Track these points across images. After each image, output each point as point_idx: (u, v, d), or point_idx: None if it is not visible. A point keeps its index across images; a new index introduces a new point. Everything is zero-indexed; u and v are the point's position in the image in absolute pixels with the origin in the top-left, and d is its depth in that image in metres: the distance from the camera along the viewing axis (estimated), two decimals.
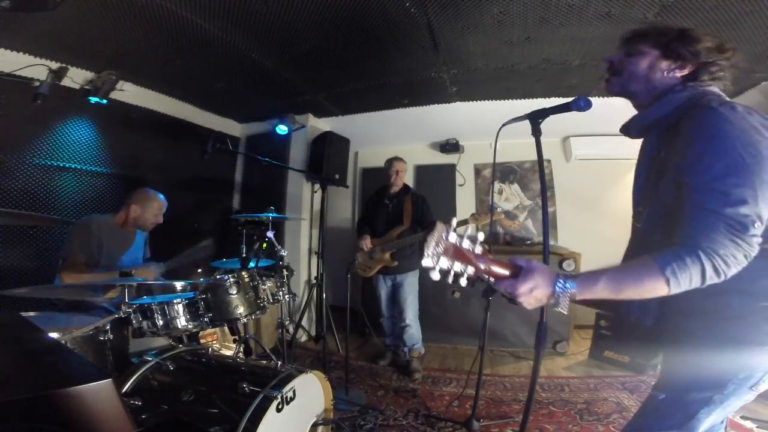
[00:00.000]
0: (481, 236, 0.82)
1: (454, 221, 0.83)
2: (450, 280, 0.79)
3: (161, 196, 2.30)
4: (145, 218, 2.21)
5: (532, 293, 0.79)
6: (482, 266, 0.80)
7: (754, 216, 0.74)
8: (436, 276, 0.77)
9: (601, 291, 0.78)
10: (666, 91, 0.95)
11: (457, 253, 0.78)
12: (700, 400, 0.86)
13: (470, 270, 0.79)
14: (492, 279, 0.83)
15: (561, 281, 0.79)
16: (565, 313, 0.80)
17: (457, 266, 0.78)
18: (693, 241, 0.76)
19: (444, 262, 0.77)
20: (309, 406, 1.58)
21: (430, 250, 0.76)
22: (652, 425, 0.95)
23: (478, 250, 0.81)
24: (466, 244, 0.79)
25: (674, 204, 0.87)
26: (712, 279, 0.75)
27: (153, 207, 2.23)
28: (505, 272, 0.82)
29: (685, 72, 0.93)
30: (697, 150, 0.81)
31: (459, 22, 2.13)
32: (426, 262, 0.76)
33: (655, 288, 0.76)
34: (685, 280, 0.74)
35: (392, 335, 3.09)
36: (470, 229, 0.82)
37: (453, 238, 0.78)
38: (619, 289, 0.78)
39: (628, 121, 1.06)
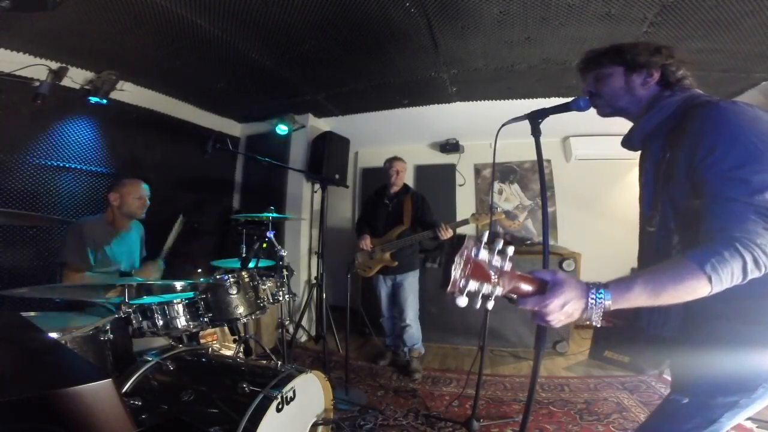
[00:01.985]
0: (511, 250, 0.71)
1: (486, 235, 0.71)
2: (477, 305, 0.70)
3: (141, 182, 2.22)
4: (128, 203, 2.14)
5: (564, 309, 0.72)
6: (510, 285, 0.71)
7: None
8: (463, 302, 0.68)
9: (637, 297, 0.72)
10: (656, 99, 0.97)
11: (488, 272, 0.68)
12: (725, 404, 0.84)
13: (498, 291, 0.70)
14: (516, 296, 0.74)
15: (594, 292, 0.73)
16: (599, 326, 0.73)
17: (486, 288, 0.69)
18: (726, 233, 0.72)
19: (473, 285, 0.68)
20: (309, 406, 1.58)
21: (458, 272, 0.66)
22: (669, 428, 0.93)
23: (508, 266, 0.71)
24: (497, 261, 0.70)
25: (687, 204, 0.86)
26: (753, 273, 0.70)
27: (130, 190, 2.15)
28: (530, 288, 0.73)
29: (656, 78, 0.98)
30: (708, 144, 0.79)
31: (459, 22, 2.13)
32: (452, 288, 0.67)
33: (696, 287, 0.71)
34: (727, 275, 0.69)
35: (392, 335, 3.09)
36: (500, 242, 0.70)
37: (484, 255, 0.69)
38: (657, 294, 0.72)
39: (627, 134, 1.07)
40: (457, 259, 0.67)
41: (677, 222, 0.91)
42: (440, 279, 0.72)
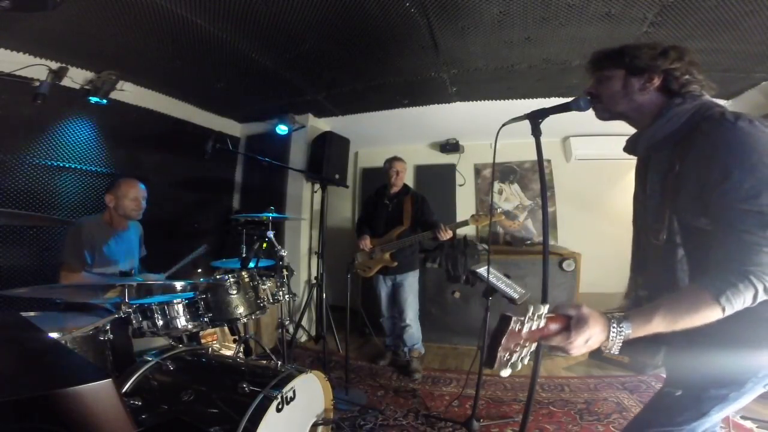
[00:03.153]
0: (545, 309, 0.73)
1: (531, 310, 0.71)
2: (518, 368, 0.73)
3: (137, 183, 2.21)
4: (123, 205, 2.14)
5: (587, 344, 0.75)
6: (542, 336, 0.74)
7: None
8: (507, 374, 0.72)
9: (656, 327, 0.76)
10: (665, 106, 0.94)
11: (528, 339, 0.72)
12: (716, 397, 0.87)
13: (534, 347, 0.74)
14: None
15: (615, 326, 0.75)
16: (616, 354, 0.77)
17: (525, 351, 0.73)
18: (740, 265, 0.75)
19: (515, 356, 0.71)
20: (309, 406, 1.58)
21: (506, 353, 0.69)
22: (661, 421, 0.95)
23: (543, 323, 0.73)
24: (535, 325, 0.72)
25: (694, 220, 0.87)
26: (761, 298, 0.74)
27: (126, 192, 2.14)
28: (556, 327, 0.75)
29: (657, 83, 0.95)
30: (721, 167, 0.78)
31: (459, 22, 2.13)
32: (498, 366, 0.69)
33: (710, 316, 0.75)
34: (739, 304, 0.74)
35: (392, 335, 3.09)
36: (542, 308, 0.72)
37: (527, 327, 0.70)
38: (674, 323, 0.76)
39: (631, 139, 1.05)
40: (504, 341, 0.68)
41: (683, 236, 0.92)
42: (485, 358, 0.75)
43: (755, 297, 0.73)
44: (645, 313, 0.77)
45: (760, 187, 0.75)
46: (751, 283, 0.73)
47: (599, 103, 1.05)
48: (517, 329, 0.69)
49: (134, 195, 2.16)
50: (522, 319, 0.69)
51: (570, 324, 0.75)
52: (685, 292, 0.82)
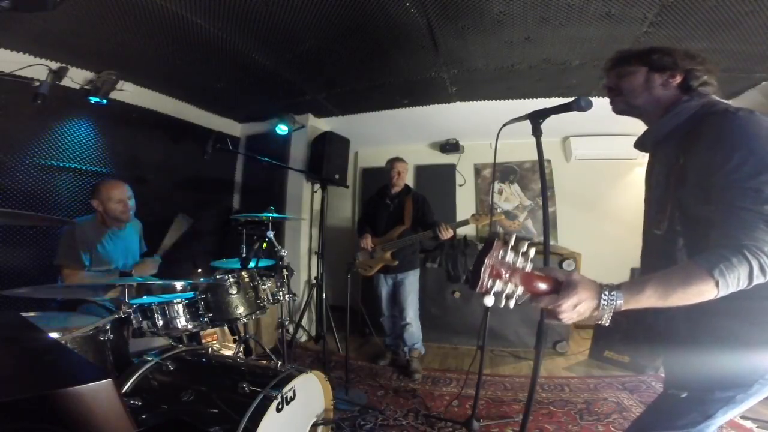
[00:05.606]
0: (533, 251, 0.75)
1: (513, 237, 0.74)
2: (501, 304, 0.73)
3: (120, 184, 2.17)
4: (111, 209, 2.10)
5: (576, 309, 0.74)
6: (529, 284, 0.74)
7: None
8: (490, 302, 0.72)
9: (648, 299, 0.75)
10: (674, 102, 0.97)
11: (513, 274, 0.72)
12: (721, 399, 0.86)
13: (520, 291, 0.73)
14: (529, 295, 0.77)
15: (606, 293, 0.75)
16: (607, 324, 0.76)
17: (509, 288, 0.72)
18: (735, 240, 0.75)
19: (498, 285, 0.71)
20: (309, 406, 1.58)
21: (487, 273, 0.70)
22: (664, 424, 0.94)
23: (529, 267, 0.74)
24: (520, 262, 0.73)
25: (696, 209, 0.88)
26: (758, 278, 0.73)
27: (109, 195, 2.10)
28: (545, 287, 0.75)
29: (678, 80, 0.98)
30: (724, 152, 0.81)
31: (459, 22, 2.13)
32: (480, 288, 0.70)
33: (704, 291, 0.73)
34: (734, 280, 0.72)
35: (392, 335, 3.10)
36: (525, 243, 0.74)
37: (510, 257, 0.72)
38: (666, 296, 0.75)
39: (641, 136, 1.08)
40: (486, 260, 0.70)
41: (684, 226, 0.93)
42: (470, 279, 0.76)
43: (750, 275, 0.72)
44: (637, 284, 0.77)
45: (759, 167, 0.77)
46: (745, 258, 0.72)
47: (618, 96, 1.07)
48: (501, 255, 0.71)
49: (118, 197, 2.12)
50: (507, 243, 0.72)
51: (560, 287, 0.75)
52: (679, 266, 0.82)
